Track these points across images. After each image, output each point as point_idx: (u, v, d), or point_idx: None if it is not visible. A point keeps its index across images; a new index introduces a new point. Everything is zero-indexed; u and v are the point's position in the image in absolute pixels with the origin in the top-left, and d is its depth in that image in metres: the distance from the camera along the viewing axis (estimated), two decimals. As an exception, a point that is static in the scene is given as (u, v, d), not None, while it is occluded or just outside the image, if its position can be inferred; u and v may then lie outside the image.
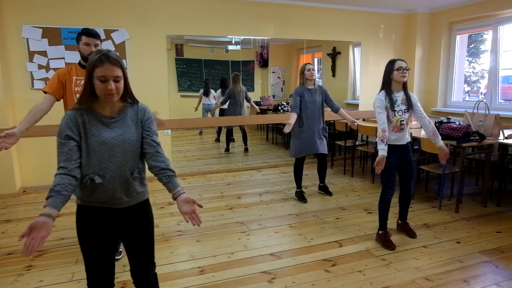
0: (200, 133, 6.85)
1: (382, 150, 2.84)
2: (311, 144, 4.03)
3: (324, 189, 4.36)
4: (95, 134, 1.57)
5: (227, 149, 6.33)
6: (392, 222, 3.35)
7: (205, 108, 6.19)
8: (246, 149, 6.25)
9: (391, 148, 2.95)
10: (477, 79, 6.12)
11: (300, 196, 4.14)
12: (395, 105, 3.00)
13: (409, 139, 3.16)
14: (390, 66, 2.96)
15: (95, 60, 1.51)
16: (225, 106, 5.95)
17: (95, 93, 1.55)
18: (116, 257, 2.80)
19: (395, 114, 3.00)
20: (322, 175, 4.34)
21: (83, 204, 1.65)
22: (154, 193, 4.29)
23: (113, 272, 1.77)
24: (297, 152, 4.09)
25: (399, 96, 3.03)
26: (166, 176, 1.64)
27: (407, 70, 2.94)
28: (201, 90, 6.12)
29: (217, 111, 6.10)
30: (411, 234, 3.21)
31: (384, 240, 3.02)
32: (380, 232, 3.09)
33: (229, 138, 6.39)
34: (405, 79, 2.97)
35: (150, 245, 1.78)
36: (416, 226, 3.42)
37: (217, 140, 6.71)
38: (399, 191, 3.24)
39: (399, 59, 2.96)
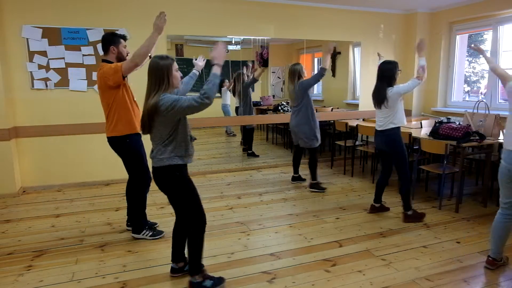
0: (229, 133, 6.85)
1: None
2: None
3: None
4: None
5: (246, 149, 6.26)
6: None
7: (223, 109, 6.24)
8: (245, 150, 6.24)
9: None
10: (477, 79, 6.12)
11: (319, 187, 4.46)
12: None
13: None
14: (396, 67, 3.38)
15: (171, 58, 2.19)
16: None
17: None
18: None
19: None
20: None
21: (184, 163, 2.26)
22: (154, 193, 4.29)
23: None
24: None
25: None
26: None
27: None
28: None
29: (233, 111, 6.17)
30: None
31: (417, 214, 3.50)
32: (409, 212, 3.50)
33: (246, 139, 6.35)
34: None
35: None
36: (416, 226, 3.42)
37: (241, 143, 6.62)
38: (384, 174, 3.70)
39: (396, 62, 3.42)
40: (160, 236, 3.20)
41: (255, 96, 6.65)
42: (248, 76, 5.91)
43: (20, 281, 2.53)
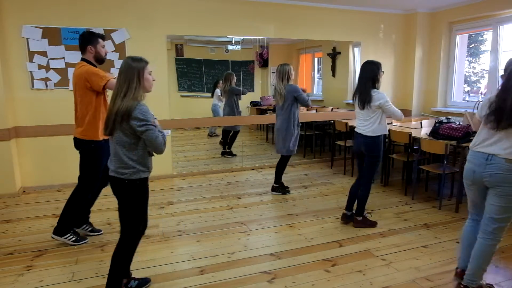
0: (210, 134, 6.81)
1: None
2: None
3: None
4: None
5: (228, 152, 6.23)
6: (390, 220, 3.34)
7: (212, 109, 6.21)
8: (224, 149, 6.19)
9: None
10: (477, 79, 6.12)
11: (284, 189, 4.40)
12: None
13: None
14: (379, 68, 3.21)
15: (145, 61, 2.11)
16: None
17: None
18: None
19: None
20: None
21: (146, 176, 2.18)
22: (154, 193, 4.29)
23: None
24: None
25: None
26: None
27: None
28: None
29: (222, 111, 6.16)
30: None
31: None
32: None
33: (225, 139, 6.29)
34: None
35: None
36: (416, 226, 3.42)
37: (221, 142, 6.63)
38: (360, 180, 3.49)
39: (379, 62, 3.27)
40: (84, 242, 3.09)
41: (255, 96, 6.66)
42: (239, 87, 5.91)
43: (20, 281, 2.53)
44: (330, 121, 6.12)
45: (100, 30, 4.44)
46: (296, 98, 4.07)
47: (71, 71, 4.42)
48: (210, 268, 2.69)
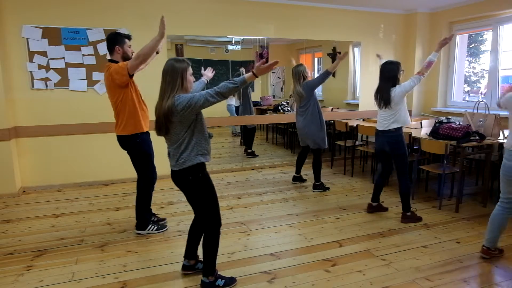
0: (234, 134, 6.84)
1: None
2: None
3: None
4: None
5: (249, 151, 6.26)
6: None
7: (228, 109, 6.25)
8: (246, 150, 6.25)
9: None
10: (477, 79, 6.12)
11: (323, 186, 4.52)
12: None
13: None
14: (398, 67, 3.38)
15: (187, 62, 2.23)
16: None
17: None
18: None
19: None
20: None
21: (205, 161, 2.25)
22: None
23: None
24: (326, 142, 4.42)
25: None
26: None
27: None
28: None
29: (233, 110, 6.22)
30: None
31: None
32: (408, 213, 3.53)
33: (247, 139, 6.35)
34: None
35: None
36: (416, 226, 3.42)
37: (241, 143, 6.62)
38: (384, 174, 3.74)
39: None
40: (165, 229, 3.29)
41: (255, 96, 6.65)
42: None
43: (20, 281, 2.53)
44: (330, 121, 6.12)
45: (100, 30, 4.45)
46: (312, 86, 4.27)
47: (71, 71, 4.45)
48: (210, 268, 2.69)
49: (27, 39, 4.25)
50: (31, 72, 4.31)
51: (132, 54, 3.03)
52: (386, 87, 3.33)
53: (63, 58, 4.40)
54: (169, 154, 2.31)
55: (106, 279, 2.53)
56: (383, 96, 3.35)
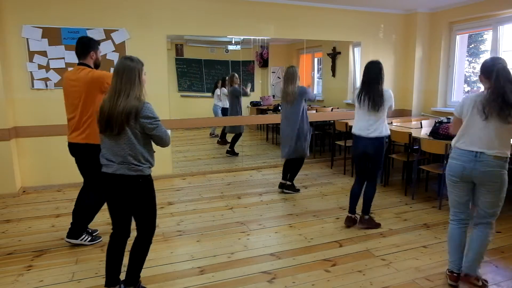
0: (211, 134, 6.83)
1: None
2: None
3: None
4: None
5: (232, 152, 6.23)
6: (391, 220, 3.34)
7: (213, 110, 6.22)
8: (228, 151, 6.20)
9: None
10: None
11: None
12: None
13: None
14: (382, 67, 3.22)
15: (141, 62, 2.14)
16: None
17: None
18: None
19: None
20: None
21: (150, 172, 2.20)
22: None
23: None
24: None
25: None
26: None
27: None
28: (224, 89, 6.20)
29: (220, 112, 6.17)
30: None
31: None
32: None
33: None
34: None
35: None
36: (416, 226, 3.42)
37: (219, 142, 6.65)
38: (362, 180, 3.45)
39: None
40: (99, 240, 3.11)
41: (255, 96, 6.66)
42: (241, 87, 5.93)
43: (20, 281, 2.53)
44: (330, 121, 6.12)
45: (100, 30, 4.45)
46: (303, 95, 4.13)
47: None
48: (210, 268, 2.69)
49: (27, 39, 4.25)
50: (31, 72, 4.31)
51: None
52: (378, 88, 3.13)
53: (63, 58, 4.40)
54: (104, 155, 2.16)
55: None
56: (373, 98, 3.12)
